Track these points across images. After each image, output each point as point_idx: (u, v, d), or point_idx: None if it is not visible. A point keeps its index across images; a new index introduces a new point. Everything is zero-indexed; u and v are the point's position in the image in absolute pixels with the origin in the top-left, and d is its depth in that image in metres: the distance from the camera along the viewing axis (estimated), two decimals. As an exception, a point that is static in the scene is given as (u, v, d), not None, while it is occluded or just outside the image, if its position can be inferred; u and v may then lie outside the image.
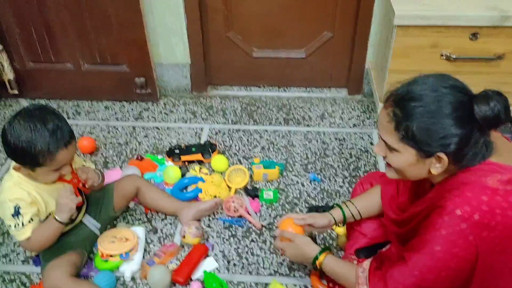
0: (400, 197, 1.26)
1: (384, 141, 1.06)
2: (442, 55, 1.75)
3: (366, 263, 1.19)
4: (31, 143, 1.24)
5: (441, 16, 1.67)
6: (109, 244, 1.49)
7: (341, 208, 1.41)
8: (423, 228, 1.04)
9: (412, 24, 1.68)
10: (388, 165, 1.11)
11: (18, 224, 1.33)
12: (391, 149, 1.05)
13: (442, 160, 1.00)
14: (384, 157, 1.10)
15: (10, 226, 1.34)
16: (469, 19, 1.66)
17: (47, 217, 1.40)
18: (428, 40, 1.72)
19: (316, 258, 1.27)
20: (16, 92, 2.22)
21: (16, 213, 1.32)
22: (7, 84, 2.19)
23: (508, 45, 1.72)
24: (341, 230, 1.59)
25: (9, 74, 2.16)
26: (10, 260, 1.55)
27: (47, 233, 1.38)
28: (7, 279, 1.49)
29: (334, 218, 1.39)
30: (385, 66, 1.84)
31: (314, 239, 1.56)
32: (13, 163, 1.34)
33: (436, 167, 1.02)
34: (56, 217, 1.37)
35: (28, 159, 1.27)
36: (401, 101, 1.02)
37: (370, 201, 1.40)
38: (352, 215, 1.40)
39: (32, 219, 1.35)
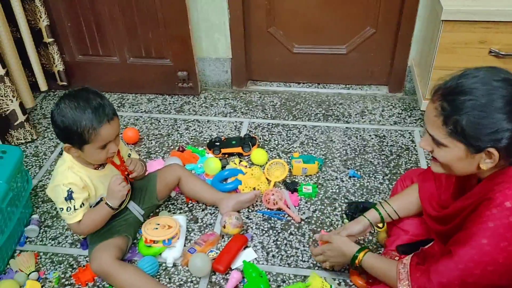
0: (442, 194, 1.24)
1: (431, 135, 1.04)
2: (490, 52, 1.71)
3: (407, 258, 1.18)
4: (76, 121, 1.30)
5: (490, 12, 1.63)
6: (152, 231, 1.54)
7: (377, 209, 1.40)
8: (469, 222, 1.02)
9: (459, 20, 1.65)
10: (434, 159, 1.09)
11: (70, 208, 1.40)
12: (438, 144, 1.04)
13: (493, 155, 0.97)
14: (431, 152, 1.08)
15: (62, 209, 1.41)
16: (521, 14, 1.62)
17: (97, 203, 1.47)
18: (476, 36, 1.68)
19: (355, 256, 1.27)
20: (65, 83, 2.32)
21: (69, 197, 1.38)
22: (56, 75, 2.29)
23: (561, 42, 1.66)
24: (380, 225, 1.58)
25: (58, 66, 2.26)
26: (58, 242, 1.63)
27: (97, 217, 1.44)
28: (56, 260, 1.57)
29: (369, 221, 1.38)
30: (430, 63, 1.81)
31: None
32: (63, 145, 1.40)
33: (486, 162, 1.00)
34: (108, 202, 1.42)
35: (75, 137, 1.32)
36: (450, 95, 1.00)
37: (407, 200, 1.38)
38: (389, 215, 1.39)
39: (83, 204, 1.42)
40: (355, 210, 1.63)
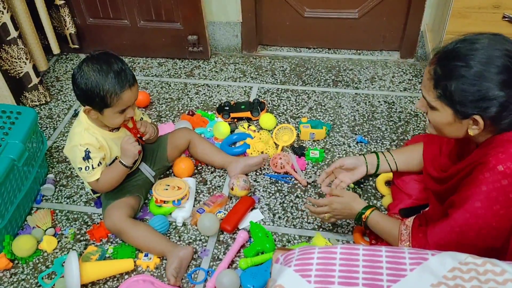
0: (442, 157, 1.26)
1: (425, 98, 1.07)
2: (504, 17, 1.67)
3: (409, 220, 1.21)
4: (99, 84, 1.34)
5: (507, -25, 1.58)
6: (163, 191, 1.59)
7: (377, 154, 1.43)
8: (464, 185, 1.05)
9: (474, -17, 1.62)
10: (429, 121, 1.12)
11: (88, 167, 1.45)
12: (430, 106, 1.06)
13: (478, 123, 0.99)
14: (426, 113, 1.11)
15: (80, 168, 1.46)
16: (538, -22, 1.57)
17: (112, 162, 1.52)
18: (490, 0, 1.64)
19: (362, 212, 1.30)
20: (77, 46, 2.34)
21: (87, 156, 1.43)
22: (68, 38, 2.31)
23: None
24: (386, 190, 1.61)
25: (70, 29, 2.27)
26: (73, 201, 1.70)
27: (114, 175, 1.49)
28: (71, 217, 1.64)
29: (365, 159, 1.42)
30: (443, 28, 1.78)
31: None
32: (83, 107, 1.44)
33: (473, 128, 1.02)
34: (122, 161, 1.48)
35: (97, 99, 1.36)
36: (445, 59, 1.01)
37: (410, 156, 1.41)
38: (389, 164, 1.42)
39: (100, 163, 1.47)
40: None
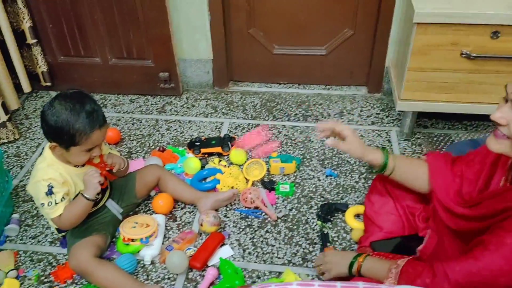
0: (465, 185, 1.20)
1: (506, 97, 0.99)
2: (462, 54, 1.75)
3: (402, 260, 1.17)
4: (70, 122, 1.34)
5: (461, 14, 1.67)
6: (130, 229, 1.56)
7: (386, 153, 1.35)
8: (499, 229, 1.00)
9: (432, 22, 1.69)
10: (499, 135, 1.02)
11: (51, 202, 1.43)
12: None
13: None
14: (504, 125, 1.01)
15: (43, 204, 1.43)
16: (490, 17, 1.66)
17: (75, 197, 1.49)
18: (448, 38, 1.73)
19: (353, 262, 1.28)
20: (48, 84, 2.34)
21: (50, 192, 1.41)
22: (40, 76, 2.30)
23: (529, 45, 1.71)
24: (355, 223, 1.62)
25: (42, 67, 2.27)
26: (38, 241, 1.65)
27: (77, 210, 1.47)
28: (35, 258, 1.59)
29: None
30: (405, 64, 1.85)
31: (326, 235, 1.59)
32: (48, 144, 1.43)
33: None
34: (84, 194, 1.46)
35: (66, 137, 1.36)
36: None
37: (413, 173, 1.34)
38: (393, 169, 1.35)
39: (63, 198, 1.45)
40: (328, 211, 1.66)
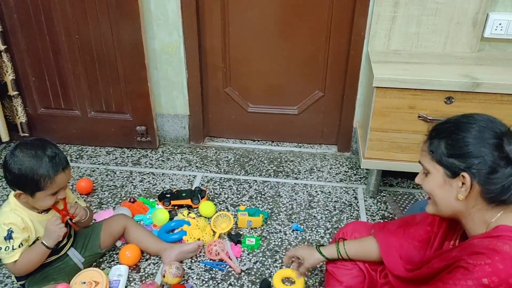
0: (416, 249, 1.27)
1: (421, 164, 1.12)
2: (419, 116, 1.86)
3: None
4: (33, 169, 1.37)
5: (417, 81, 1.80)
6: None
7: (338, 247, 1.46)
8: (440, 282, 1.03)
9: (390, 87, 1.82)
10: (429, 198, 1.14)
11: (8, 247, 1.42)
12: (426, 173, 1.11)
13: (466, 180, 1.02)
14: (422, 185, 1.14)
15: (0, 248, 1.43)
16: (444, 84, 1.79)
17: (33, 243, 1.49)
18: (406, 101, 1.85)
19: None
20: (27, 134, 2.39)
21: (9, 236, 1.41)
22: (19, 126, 2.36)
23: (480, 110, 1.81)
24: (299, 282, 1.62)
25: (21, 118, 2.34)
26: (-3, 291, 1.62)
27: (33, 257, 1.46)
28: (-8, 309, 1.55)
29: (324, 256, 1.47)
30: (368, 125, 1.96)
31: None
32: (13, 192, 1.45)
33: (461, 190, 1.04)
34: (44, 241, 1.46)
35: (30, 183, 1.38)
36: (439, 125, 1.13)
37: (365, 252, 1.43)
38: (338, 252, 1.46)
39: (22, 244, 1.44)
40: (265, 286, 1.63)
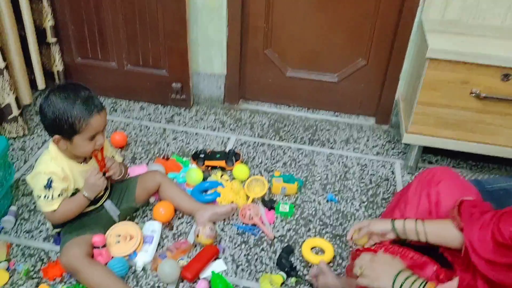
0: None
1: None
2: (471, 92, 1.76)
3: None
4: (67, 111, 1.35)
5: (474, 54, 1.69)
6: (115, 246, 1.53)
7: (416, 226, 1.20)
8: None
9: (444, 59, 1.72)
10: None
11: (48, 196, 1.43)
12: None
13: None
14: None
15: (39, 196, 1.43)
16: (502, 59, 1.68)
17: (72, 194, 1.50)
18: (459, 76, 1.74)
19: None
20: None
21: (49, 185, 1.41)
22: (55, 75, 2.34)
23: (540, 90, 1.72)
24: (312, 258, 1.56)
25: (58, 66, 2.31)
26: (32, 236, 1.64)
27: (72, 207, 1.47)
28: (27, 253, 1.58)
29: (394, 227, 1.23)
30: (414, 98, 1.87)
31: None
32: (52, 138, 1.43)
33: None
34: (84, 193, 1.46)
35: (66, 126, 1.37)
36: None
37: (445, 231, 1.17)
38: (417, 233, 1.20)
39: (61, 194, 1.45)
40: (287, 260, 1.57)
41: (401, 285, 1.02)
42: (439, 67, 1.74)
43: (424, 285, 0.99)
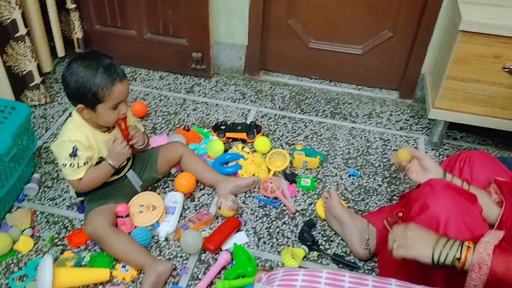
0: None
1: None
2: (504, 68, 1.70)
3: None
4: (89, 80, 1.34)
5: (509, 27, 1.62)
6: (138, 216, 1.54)
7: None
8: None
9: (477, 31, 1.65)
10: None
11: (73, 164, 1.43)
12: None
13: None
14: None
15: (65, 165, 1.43)
16: (539, 34, 1.61)
17: (97, 163, 1.50)
18: (492, 50, 1.68)
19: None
20: (82, 51, 2.34)
21: (74, 153, 1.41)
22: (75, 42, 2.31)
23: None
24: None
25: (78, 33, 2.28)
26: (56, 204, 1.66)
27: (98, 175, 1.48)
28: (51, 220, 1.60)
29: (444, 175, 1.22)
30: (443, 72, 1.81)
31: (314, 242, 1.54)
32: (76, 107, 1.43)
33: None
34: (109, 161, 1.46)
35: (89, 95, 1.35)
36: None
37: (482, 200, 1.14)
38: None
39: (86, 162, 1.45)
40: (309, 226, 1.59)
41: (441, 252, 0.96)
42: (472, 40, 1.68)
43: (462, 246, 0.96)
